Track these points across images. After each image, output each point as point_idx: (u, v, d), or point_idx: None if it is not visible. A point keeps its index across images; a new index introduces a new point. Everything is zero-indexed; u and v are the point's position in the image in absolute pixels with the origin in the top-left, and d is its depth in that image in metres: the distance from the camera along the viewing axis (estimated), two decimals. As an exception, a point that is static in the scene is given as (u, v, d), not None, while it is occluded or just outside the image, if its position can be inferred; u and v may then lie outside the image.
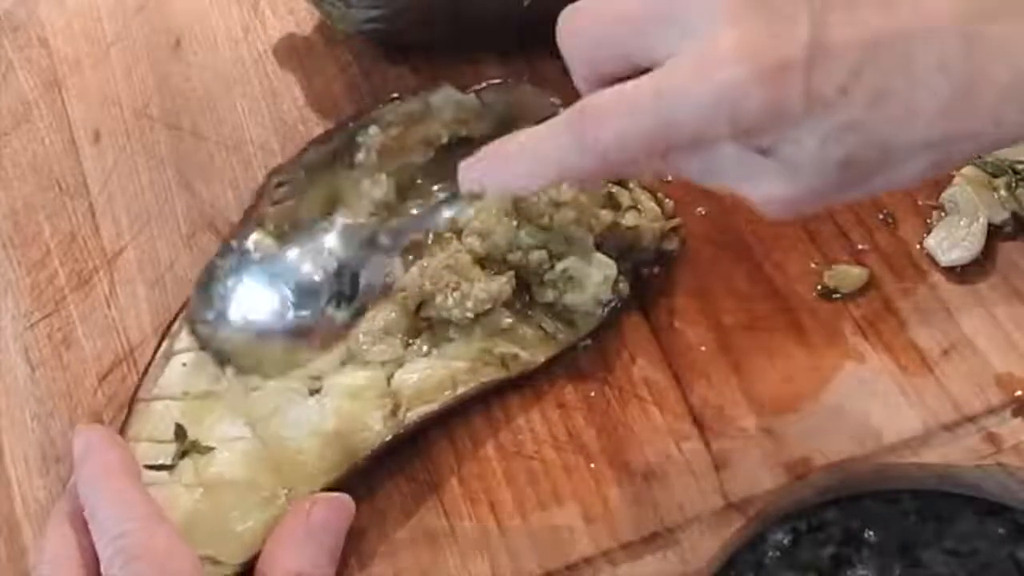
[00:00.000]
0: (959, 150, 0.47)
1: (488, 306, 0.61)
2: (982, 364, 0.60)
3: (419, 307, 0.61)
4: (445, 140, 0.66)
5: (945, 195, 0.64)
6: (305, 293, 0.63)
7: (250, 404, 0.60)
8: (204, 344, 0.62)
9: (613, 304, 0.62)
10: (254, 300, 0.63)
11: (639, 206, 0.63)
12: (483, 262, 0.62)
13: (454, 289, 0.60)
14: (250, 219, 0.65)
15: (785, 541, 0.59)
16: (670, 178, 0.66)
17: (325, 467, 0.58)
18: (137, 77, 0.76)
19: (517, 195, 0.61)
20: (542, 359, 0.61)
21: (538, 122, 0.50)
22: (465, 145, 0.64)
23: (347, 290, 0.63)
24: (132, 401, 0.61)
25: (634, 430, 0.60)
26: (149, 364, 0.62)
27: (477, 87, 0.66)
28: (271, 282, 0.63)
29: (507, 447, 0.60)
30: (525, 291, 0.62)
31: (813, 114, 0.45)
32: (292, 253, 0.64)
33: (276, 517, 0.57)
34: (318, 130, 0.70)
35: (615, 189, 0.63)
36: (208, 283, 0.63)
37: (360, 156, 0.65)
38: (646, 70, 0.47)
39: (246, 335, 0.62)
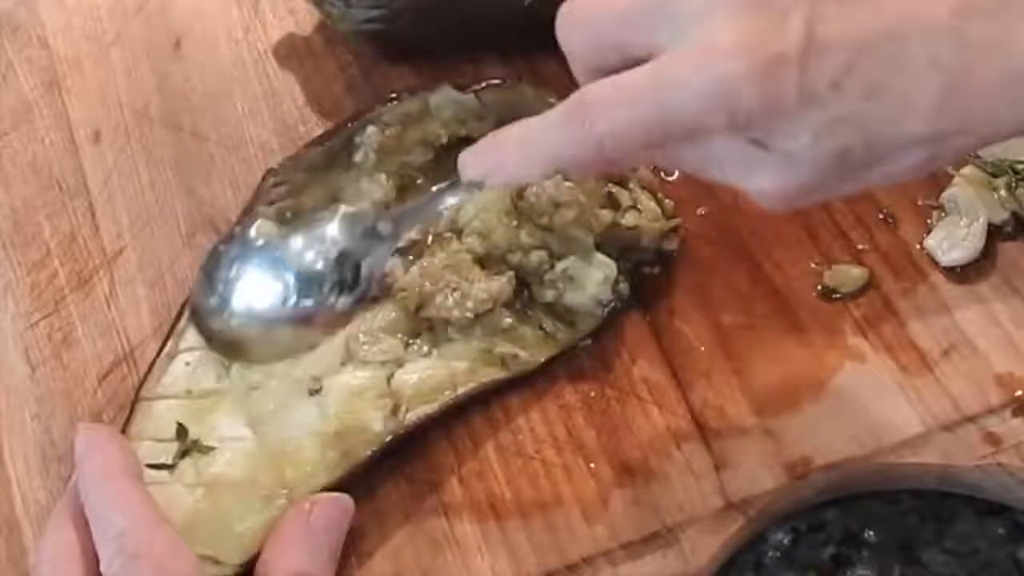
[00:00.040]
0: (953, 145, 0.48)
1: (488, 306, 0.61)
2: (982, 364, 0.60)
3: (419, 307, 0.61)
4: (444, 140, 0.66)
5: (945, 195, 0.64)
6: (308, 281, 0.63)
7: (251, 404, 0.60)
8: (207, 332, 0.62)
9: (613, 304, 0.62)
10: (257, 287, 0.63)
11: (639, 206, 0.63)
12: (483, 262, 0.62)
13: (454, 289, 0.60)
14: (249, 215, 0.65)
15: (785, 541, 0.59)
16: (671, 178, 0.67)
17: (325, 467, 0.58)
18: (137, 77, 0.76)
19: (517, 186, 0.61)
20: (542, 359, 0.61)
21: None
22: (464, 145, 0.64)
23: (349, 278, 0.63)
24: (135, 400, 0.61)
25: (634, 430, 0.60)
26: (153, 363, 0.62)
27: (477, 87, 0.66)
28: (274, 270, 0.63)
29: (507, 447, 0.60)
30: (525, 291, 0.62)
31: (807, 108, 0.45)
32: (294, 241, 0.64)
33: (276, 517, 0.57)
34: (318, 130, 0.70)
35: (615, 189, 0.63)
36: (211, 270, 0.63)
37: (358, 156, 0.65)
38: (644, 63, 0.47)
39: (249, 322, 0.62)
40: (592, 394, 0.61)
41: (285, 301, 0.62)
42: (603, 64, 0.49)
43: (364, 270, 0.63)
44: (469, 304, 0.60)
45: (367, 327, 0.62)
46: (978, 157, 0.64)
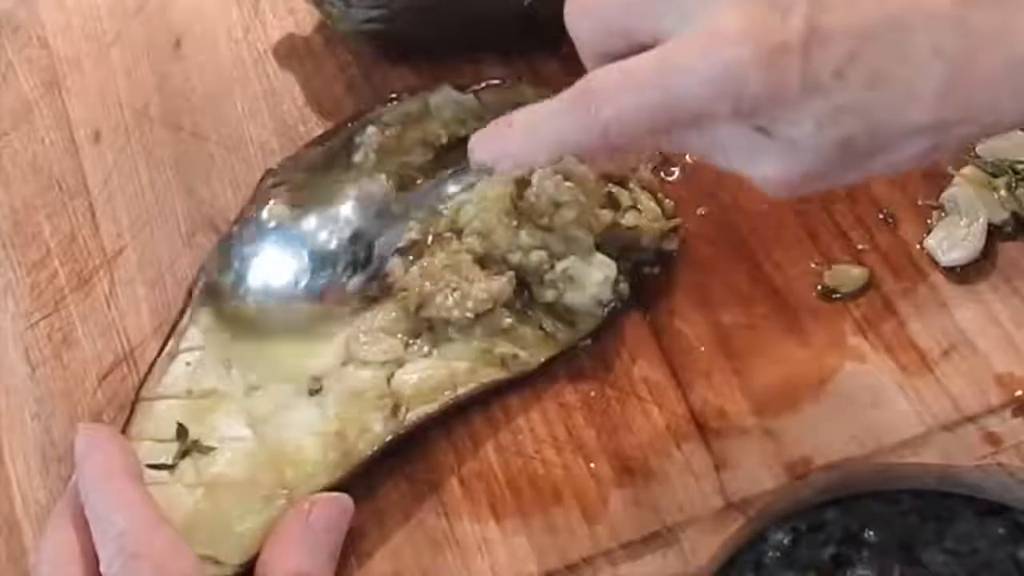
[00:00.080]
0: (956, 134, 0.48)
1: (488, 306, 0.60)
2: (982, 364, 0.60)
3: (419, 307, 0.61)
4: (444, 140, 0.66)
5: (945, 195, 0.64)
6: (322, 260, 0.63)
7: (251, 404, 0.60)
8: (221, 310, 0.62)
9: (613, 304, 0.62)
10: (273, 265, 0.63)
11: (639, 206, 0.63)
12: (483, 262, 0.62)
13: (454, 289, 0.60)
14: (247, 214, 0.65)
15: (785, 541, 0.59)
16: (671, 178, 0.67)
17: (325, 467, 0.58)
18: (137, 77, 0.76)
19: (519, 182, 0.61)
20: (542, 359, 0.61)
21: None
22: (464, 145, 0.64)
23: (362, 257, 0.63)
24: (135, 399, 0.61)
25: (634, 430, 0.60)
26: (153, 362, 0.62)
27: (476, 87, 0.66)
28: (289, 248, 0.63)
29: (507, 447, 0.60)
30: (525, 291, 0.62)
31: (810, 97, 0.46)
32: (308, 221, 0.64)
33: (276, 517, 0.57)
34: (318, 130, 0.70)
35: (615, 189, 0.63)
36: (227, 249, 0.64)
37: (358, 156, 0.65)
38: (650, 49, 0.48)
39: (265, 299, 0.62)
40: (592, 394, 0.61)
41: (300, 279, 0.63)
42: (610, 50, 0.49)
43: (377, 249, 0.63)
44: (469, 304, 0.60)
45: (367, 327, 0.62)
46: (978, 157, 0.65)
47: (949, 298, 0.62)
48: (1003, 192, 0.64)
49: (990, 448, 0.57)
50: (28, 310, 0.68)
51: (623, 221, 0.63)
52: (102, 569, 0.54)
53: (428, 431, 0.60)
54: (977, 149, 0.65)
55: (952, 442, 0.58)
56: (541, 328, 0.62)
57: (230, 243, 0.64)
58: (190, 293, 0.64)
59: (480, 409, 0.61)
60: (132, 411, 0.60)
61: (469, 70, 0.71)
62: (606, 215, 0.62)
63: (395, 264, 0.63)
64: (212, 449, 0.59)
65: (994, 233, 0.63)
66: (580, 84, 0.49)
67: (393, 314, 0.62)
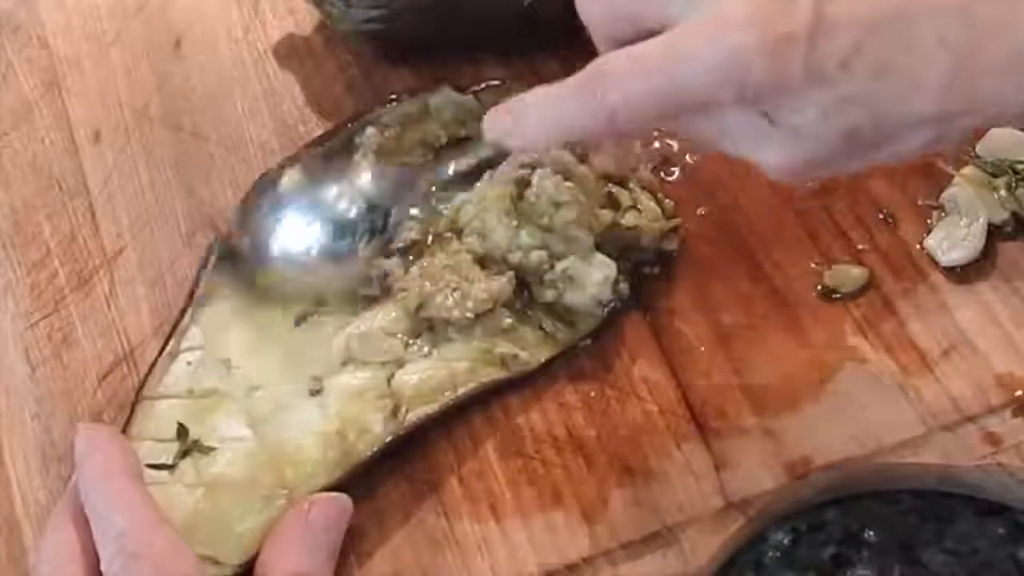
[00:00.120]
0: (960, 125, 0.48)
1: (488, 306, 0.61)
2: (982, 364, 0.60)
3: (419, 307, 0.61)
4: (443, 141, 0.66)
5: (945, 195, 0.64)
6: (340, 228, 0.64)
7: (252, 404, 0.60)
8: (241, 276, 0.63)
9: (613, 304, 0.62)
10: (294, 231, 0.64)
11: (639, 206, 0.63)
12: (483, 262, 0.62)
13: (454, 289, 0.60)
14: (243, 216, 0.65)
15: (785, 541, 0.59)
16: (671, 178, 0.67)
17: (325, 467, 0.58)
18: (137, 77, 0.76)
19: (527, 169, 0.62)
20: (542, 359, 0.61)
21: None
22: (463, 146, 0.64)
23: (379, 226, 0.63)
24: (136, 399, 0.61)
25: (634, 430, 0.60)
26: (155, 362, 0.62)
27: (476, 88, 0.66)
28: (310, 214, 0.64)
29: (507, 447, 0.60)
30: (525, 291, 0.62)
31: (814, 86, 0.46)
32: (328, 190, 0.64)
33: (275, 518, 0.57)
34: (318, 130, 0.70)
35: (615, 189, 0.64)
36: (245, 218, 0.64)
37: (357, 157, 0.65)
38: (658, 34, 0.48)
39: (286, 265, 0.63)
40: (592, 394, 0.61)
41: (319, 244, 0.63)
42: (619, 35, 0.50)
43: (393, 218, 0.63)
44: (469, 304, 0.60)
45: (367, 327, 0.62)
46: (978, 157, 0.65)
47: (949, 298, 0.62)
48: (1003, 192, 0.64)
49: (990, 448, 0.57)
50: (28, 310, 0.68)
51: (623, 221, 0.63)
52: (102, 569, 0.54)
53: (428, 431, 0.60)
54: (977, 149, 0.65)
55: (952, 442, 0.58)
56: (541, 328, 0.62)
57: (249, 211, 0.65)
58: (205, 264, 0.64)
59: (480, 409, 0.61)
60: (133, 410, 0.60)
61: (469, 70, 0.71)
62: (606, 215, 0.63)
63: (395, 264, 0.63)
64: (212, 449, 0.59)
65: (994, 233, 0.63)
66: (588, 69, 0.49)
67: (393, 314, 0.62)
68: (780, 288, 0.63)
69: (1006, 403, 0.58)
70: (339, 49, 0.75)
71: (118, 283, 0.68)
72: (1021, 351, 0.60)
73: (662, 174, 0.67)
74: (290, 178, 0.65)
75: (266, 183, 0.66)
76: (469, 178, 0.64)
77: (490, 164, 0.64)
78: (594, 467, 0.59)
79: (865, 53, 0.46)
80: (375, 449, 0.59)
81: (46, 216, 0.71)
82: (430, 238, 0.63)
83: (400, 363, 0.61)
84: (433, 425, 0.60)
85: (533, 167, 0.62)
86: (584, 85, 0.49)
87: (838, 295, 0.62)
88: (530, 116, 0.51)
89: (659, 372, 0.61)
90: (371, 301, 0.62)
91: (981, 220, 0.63)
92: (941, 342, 0.60)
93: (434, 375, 0.60)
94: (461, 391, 0.60)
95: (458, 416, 0.61)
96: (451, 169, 0.64)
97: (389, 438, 0.59)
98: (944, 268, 0.63)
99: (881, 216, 0.65)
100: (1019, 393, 0.59)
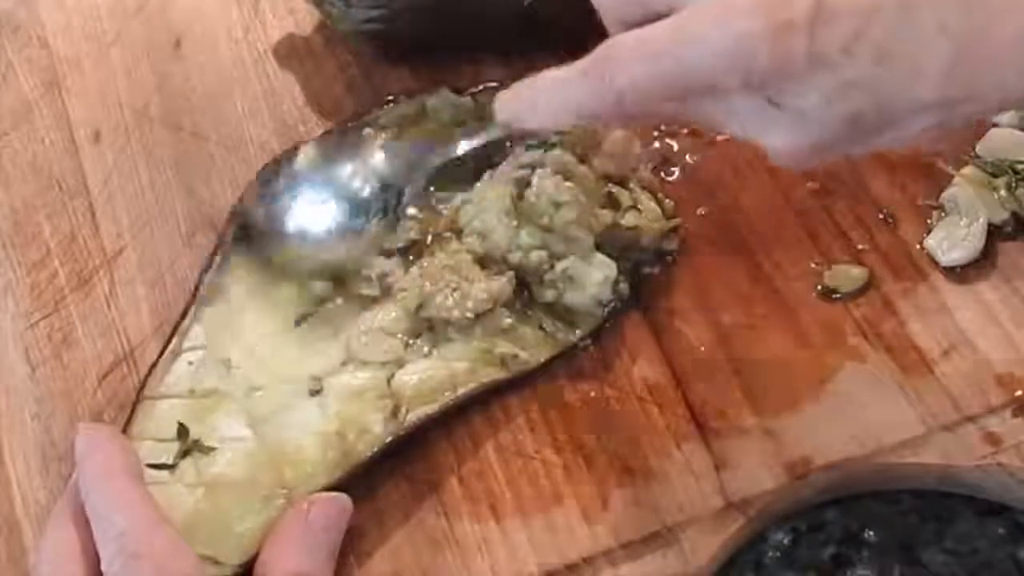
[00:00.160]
0: (962, 111, 0.48)
1: (488, 306, 0.61)
2: (982, 364, 0.60)
3: (419, 307, 0.61)
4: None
5: (945, 195, 0.64)
6: (354, 205, 0.64)
7: (252, 404, 0.60)
8: (257, 250, 0.64)
9: (613, 304, 0.62)
10: (309, 207, 0.64)
11: (639, 206, 0.63)
12: (483, 262, 0.62)
13: (454, 289, 0.60)
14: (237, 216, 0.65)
15: (785, 541, 0.59)
16: (671, 178, 0.67)
17: (325, 467, 0.58)
18: (137, 77, 0.76)
19: (518, 184, 0.62)
20: (542, 359, 0.61)
21: None
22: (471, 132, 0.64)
23: (392, 202, 0.63)
24: (137, 399, 0.61)
25: (634, 430, 0.60)
26: (156, 362, 0.62)
27: (474, 90, 0.66)
28: (325, 191, 0.64)
29: (507, 447, 0.60)
30: (525, 291, 0.62)
31: (817, 72, 0.46)
32: (342, 168, 0.65)
33: (275, 518, 0.57)
34: (318, 130, 0.70)
35: (615, 189, 0.64)
36: (264, 191, 0.65)
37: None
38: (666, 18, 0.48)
39: (301, 242, 0.63)
40: (592, 394, 0.61)
41: (334, 221, 0.64)
42: (628, 18, 0.50)
43: (406, 197, 0.63)
44: (469, 304, 0.60)
45: (367, 327, 0.62)
46: (978, 157, 0.65)
47: (949, 298, 0.62)
48: (1003, 192, 0.64)
49: (990, 448, 0.57)
50: (28, 310, 0.68)
51: (623, 221, 0.63)
52: (103, 568, 0.54)
53: (428, 431, 0.60)
54: (977, 149, 0.65)
55: (952, 442, 0.58)
56: (541, 328, 0.62)
57: (265, 189, 0.65)
58: (222, 238, 0.65)
59: (480, 409, 0.61)
60: (133, 410, 0.60)
61: (469, 71, 0.71)
62: (606, 215, 0.63)
63: (395, 264, 0.63)
64: (212, 449, 0.59)
65: (994, 233, 0.63)
66: (597, 52, 0.49)
67: (393, 314, 0.62)
68: (780, 288, 0.63)
69: (1006, 403, 0.58)
70: (339, 49, 0.75)
71: (118, 283, 0.68)
72: (1021, 351, 0.60)
73: (662, 174, 0.67)
74: (305, 155, 0.65)
75: (280, 161, 0.66)
76: (479, 162, 0.64)
77: (500, 146, 0.64)
78: (594, 467, 0.59)
79: (866, 39, 0.46)
80: (375, 449, 0.59)
81: (46, 216, 0.71)
82: (430, 238, 0.63)
83: (400, 363, 0.61)
84: (433, 425, 0.60)
85: (533, 167, 0.62)
86: (592, 68, 0.49)
87: (838, 295, 0.63)
88: (539, 99, 0.52)
89: (659, 372, 0.61)
90: (371, 301, 0.62)
91: (981, 220, 0.63)
92: (941, 342, 0.60)
93: (434, 375, 0.60)
94: (461, 391, 0.60)
95: (458, 416, 0.61)
96: (460, 150, 0.64)
97: (389, 438, 0.59)
98: (944, 268, 0.63)
99: (881, 216, 0.65)
100: (1019, 393, 0.59)
